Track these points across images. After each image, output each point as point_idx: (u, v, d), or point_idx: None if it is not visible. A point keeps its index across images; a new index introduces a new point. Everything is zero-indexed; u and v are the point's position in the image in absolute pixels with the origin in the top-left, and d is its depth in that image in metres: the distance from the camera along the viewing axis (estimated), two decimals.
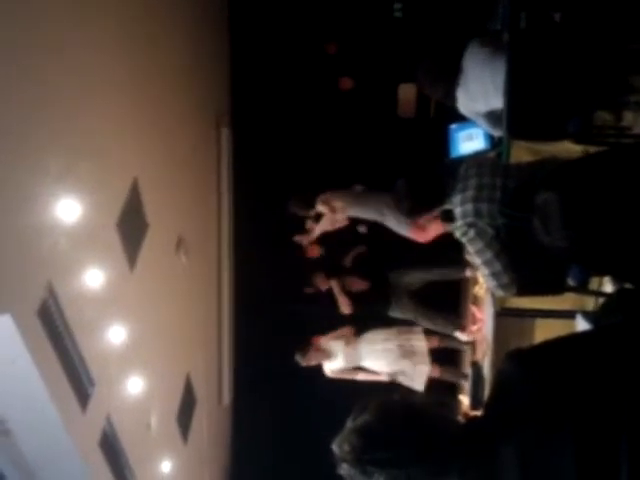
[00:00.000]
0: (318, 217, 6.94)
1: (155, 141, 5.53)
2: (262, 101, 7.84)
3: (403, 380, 6.77)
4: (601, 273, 3.15)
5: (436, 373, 6.91)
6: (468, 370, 6.63)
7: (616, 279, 2.50)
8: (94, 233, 4.41)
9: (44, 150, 3.78)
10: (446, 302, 7.34)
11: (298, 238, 7.24)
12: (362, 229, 7.52)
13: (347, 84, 7.74)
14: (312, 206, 6.77)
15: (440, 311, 7.10)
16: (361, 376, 6.94)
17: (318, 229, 7.04)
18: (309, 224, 7.16)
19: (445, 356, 7.10)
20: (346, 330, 7.06)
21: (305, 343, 6.96)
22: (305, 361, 6.90)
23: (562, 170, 1.90)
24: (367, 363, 6.88)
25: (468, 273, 6.82)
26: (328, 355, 6.90)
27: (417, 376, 6.74)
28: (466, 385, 6.16)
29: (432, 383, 6.74)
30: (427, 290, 7.09)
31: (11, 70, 3.43)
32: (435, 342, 6.98)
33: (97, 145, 4.41)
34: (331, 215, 6.71)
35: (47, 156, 3.81)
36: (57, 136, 3.92)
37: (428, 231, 6.05)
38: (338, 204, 6.65)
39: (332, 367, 6.91)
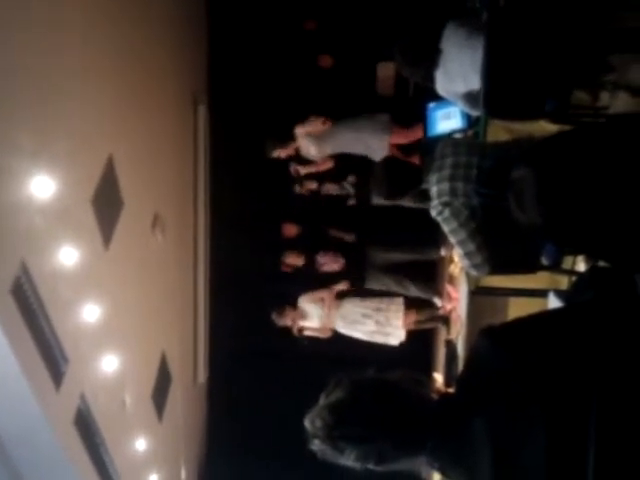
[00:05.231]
0: (298, 158, 7.04)
1: (131, 118, 5.48)
2: (240, 79, 7.78)
3: (379, 339, 6.86)
4: (574, 250, 3.17)
5: (412, 319, 6.99)
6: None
7: (589, 257, 2.52)
8: (68, 210, 4.37)
9: (17, 126, 3.73)
10: (422, 280, 7.38)
11: (294, 169, 7.23)
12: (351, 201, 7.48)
13: (326, 62, 7.69)
14: (287, 141, 6.87)
15: (417, 281, 7.19)
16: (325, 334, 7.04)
17: (304, 170, 7.15)
18: (292, 167, 7.20)
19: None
20: (325, 293, 7.10)
21: (284, 305, 7.03)
22: (280, 320, 6.95)
23: (537, 147, 1.90)
24: (340, 328, 6.95)
25: (443, 252, 6.88)
26: (304, 315, 6.95)
27: (390, 338, 6.84)
28: (442, 354, 6.22)
29: (406, 360, 6.79)
30: (404, 268, 7.16)
31: None
32: (413, 316, 7.04)
33: (71, 122, 4.37)
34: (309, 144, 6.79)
35: (20, 132, 3.76)
36: (31, 112, 3.87)
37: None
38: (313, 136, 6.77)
39: (306, 324, 6.97)
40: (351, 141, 6.71)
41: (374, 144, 6.53)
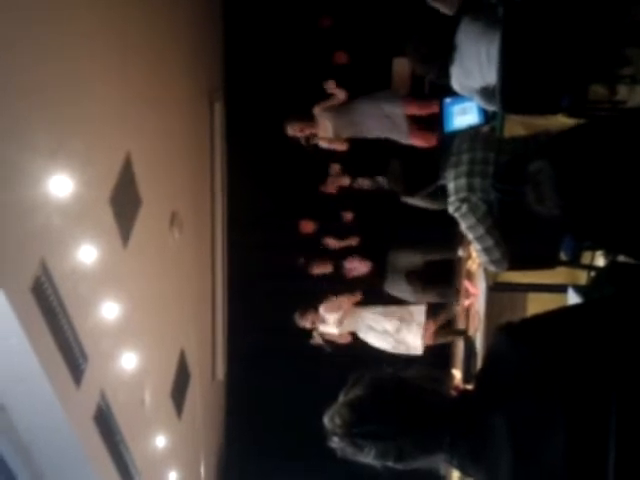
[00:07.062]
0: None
1: (148, 116, 5.50)
2: (256, 76, 7.78)
3: (401, 350, 6.85)
4: (593, 243, 3.15)
5: (430, 340, 6.96)
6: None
7: (608, 249, 2.50)
8: (87, 209, 4.39)
9: (35, 126, 3.76)
10: (441, 277, 7.36)
11: (304, 137, 7.03)
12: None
13: (341, 58, 7.68)
14: (308, 120, 6.83)
15: (435, 287, 7.16)
16: (345, 340, 7.07)
17: (321, 141, 7.03)
18: (303, 137, 7.04)
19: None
20: (345, 301, 7.08)
21: (307, 307, 7.03)
22: (302, 321, 6.99)
23: (554, 140, 1.89)
24: (364, 338, 6.95)
25: (461, 253, 6.85)
26: (325, 322, 6.96)
27: (412, 342, 6.82)
28: (460, 351, 6.20)
29: (425, 357, 6.78)
30: (423, 273, 7.13)
31: (1, 46, 3.40)
32: (432, 327, 7.01)
33: (89, 120, 4.39)
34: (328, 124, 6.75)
35: (39, 132, 3.78)
36: (49, 111, 3.90)
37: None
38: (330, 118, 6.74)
39: (326, 330, 6.98)
40: (368, 112, 6.65)
41: (391, 111, 6.54)
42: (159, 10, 5.80)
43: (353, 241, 7.67)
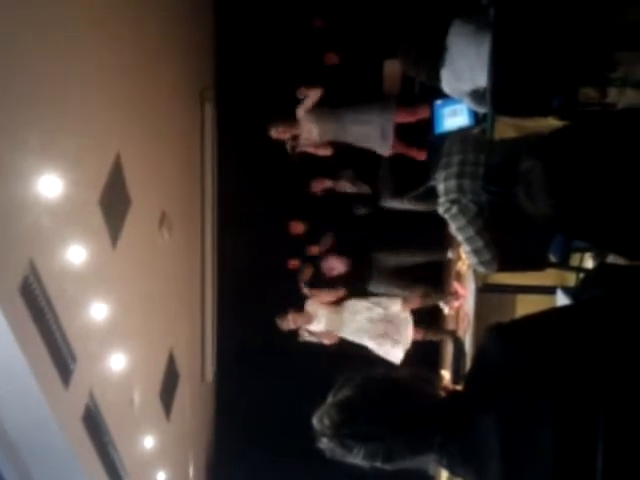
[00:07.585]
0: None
1: (138, 116, 5.49)
2: (247, 76, 7.78)
3: (380, 352, 6.84)
4: (585, 243, 3.15)
5: (420, 336, 6.98)
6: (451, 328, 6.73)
7: (599, 247, 2.50)
8: (76, 209, 4.38)
9: (25, 125, 3.74)
10: (430, 279, 7.38)
11: (290, 145, 6.96)
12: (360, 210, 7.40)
13: (332, 59, 7.68)
14: (290, 122, 6.80)
15: (427, 284, 7.18)
16: (331, 340, 7.03)
17: (302, 147, 6.97)
18: (289, 143, 6.98)
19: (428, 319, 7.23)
20: (330, 295, 7.07)
21: (286, 310, 7.01)
22: (285, 324, 6.92)
23: (545, 139, 1.88)
24: (347, 334, 6.93)
25: (450, 255, 6.86)
26: (309, 319, 6.92)
27: (395, 350, 6.81)
28: (449, 351, 6.21)
29: (414, 358, 6.79)
30: (411, 272, 7.14)
31: None
32: (421, 333, 7.03)
33: (79, 120, 4.37)
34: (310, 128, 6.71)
35: (28, 131, 3.77)
36: (38, 111, 3.88)
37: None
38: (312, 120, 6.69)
39: (311, 327, 6.95)
40: (354, 122, 6.64)
41: (379, 123, 6.52)
42: (151, 9, 5.79)
43: (329, 240, 7.62)
